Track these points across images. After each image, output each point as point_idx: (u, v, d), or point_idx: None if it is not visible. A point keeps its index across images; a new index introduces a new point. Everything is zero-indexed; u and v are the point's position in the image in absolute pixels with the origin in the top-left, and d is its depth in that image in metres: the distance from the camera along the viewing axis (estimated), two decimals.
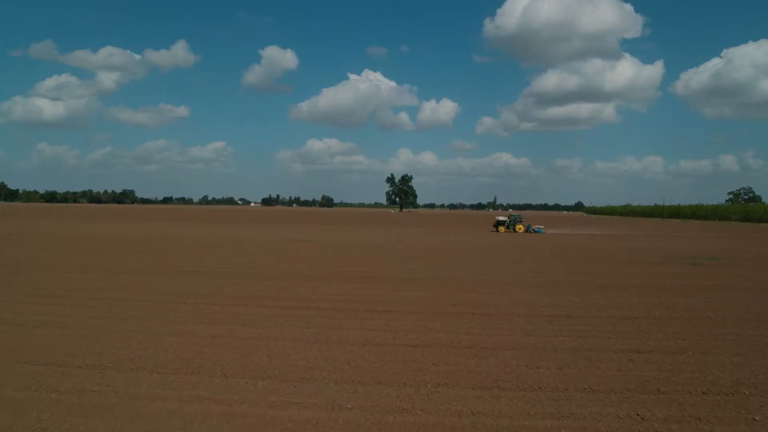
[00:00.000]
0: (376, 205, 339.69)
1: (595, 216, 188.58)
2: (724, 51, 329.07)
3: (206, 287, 14.81)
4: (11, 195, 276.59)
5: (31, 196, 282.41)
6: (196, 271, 18.37)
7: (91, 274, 17.11)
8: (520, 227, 54.40)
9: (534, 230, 53.96)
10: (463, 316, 11.72)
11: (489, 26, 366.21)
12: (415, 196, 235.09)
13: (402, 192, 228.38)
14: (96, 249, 26.33)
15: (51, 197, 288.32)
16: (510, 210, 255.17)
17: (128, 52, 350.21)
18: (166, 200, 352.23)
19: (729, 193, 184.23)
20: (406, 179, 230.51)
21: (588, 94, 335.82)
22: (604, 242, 40.35)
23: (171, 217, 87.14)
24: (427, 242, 36.96)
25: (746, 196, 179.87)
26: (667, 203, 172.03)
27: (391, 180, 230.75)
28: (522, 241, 40.63)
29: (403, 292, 14.76)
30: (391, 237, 42.63)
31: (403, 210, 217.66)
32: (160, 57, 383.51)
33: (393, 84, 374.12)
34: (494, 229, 55.74)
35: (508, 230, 54.64)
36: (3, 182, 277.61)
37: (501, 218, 57.74)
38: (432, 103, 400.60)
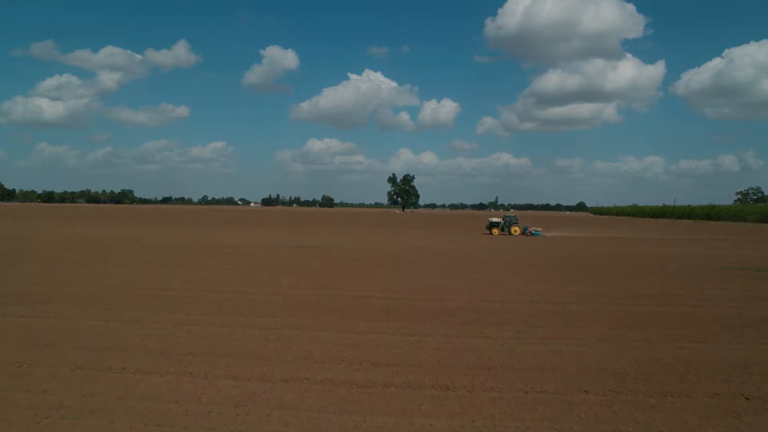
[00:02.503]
0: (377, 205, 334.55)
1: (600, 216, 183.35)
2: (726, 51, 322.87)
3: (158, 330, 9.93)
4: (8, 195, 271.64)
5: (28, 196, 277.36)
6: (159, 296, 13.51)
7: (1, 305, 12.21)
8: (515, 229, 49.36)
9: (531, 233, 48.83)
10: (573, 399, 6.87)
11: (490, 26, 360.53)
12: (417, 196, 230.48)
13: (404, 192, 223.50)
14: (48, 258, 21.40)
15: (49, 197, 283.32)
16: (511, 210, 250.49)
17: (129, 52, 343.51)
18: (166, 200, 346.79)
19: (737, 193, 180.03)
20: (407, 179, 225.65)
21: (589, 94, 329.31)
22: (632, 247, 35.34)
23: (166, 218, 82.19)
24: (442, 248, 32.06)
25: (755, 196, 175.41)
26: (668, 203, 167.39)
27: (392, 180, 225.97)
28: (533, 245, 35.65)
29: (447, 338, 9.89)
30: (399, 241, 37.73)
31: (405, 210, 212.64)
32: (160, 57, 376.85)
33: (394, 84, 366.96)
34: (488, 231, 50.64)
35: (502, 233, 49.63)
36: (0, 182, 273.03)
37: (495, 219, 52.33)
38: (433, 103, 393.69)
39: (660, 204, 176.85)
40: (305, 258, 24.38)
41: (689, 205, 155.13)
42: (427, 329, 10.42)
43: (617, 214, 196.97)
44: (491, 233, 49.72)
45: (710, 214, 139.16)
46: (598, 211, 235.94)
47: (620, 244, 39.40)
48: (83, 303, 12.46)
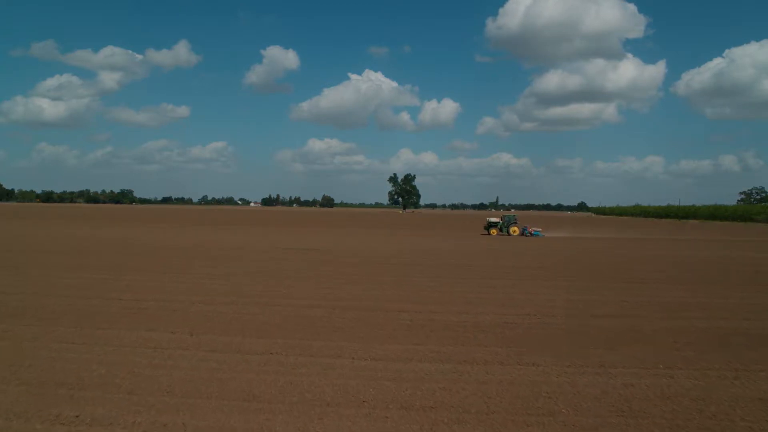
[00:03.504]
0: (377, 205, 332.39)
1: (603, 217, 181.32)
2: (726, 51, 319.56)
3: (132, 356, 8.08)
4: (7, 195, 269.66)
5: (27, 196, 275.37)
6: (140, 309, 11.69)
7: None
8: (514, 230, 47.57)
9: (531, 233, 47.07)
10: None
11: (491, 26, 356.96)
12: (419, 196, 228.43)
13: (405, 192, 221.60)
14: (29, 263, 19.50)
15: (48, 197, 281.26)
16: (512, 210, 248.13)
17: (130, 52, 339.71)
18: (166, 200, 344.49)
19: (740, 193, 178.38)
20: (409, 179, 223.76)
21: (589, 94, 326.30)
22: (647, 250, 33.47)
23: (164, 218, 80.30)
24: (449, 250, 30.23)
25: (758, 196, 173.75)
26: (669, 203, 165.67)
27: (393, 179, 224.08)
28: (539, 247, 33.81)
29: (489, 366, 8.06)
30: (404, 243, 35.89)
31: (406, 210, 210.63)
32: (161, 57, 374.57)
33: (394, 84, 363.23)
34: (485, 232, 48.80)
35: (501, 233, 47.85)
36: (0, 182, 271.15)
37: (493, 219, 50.53)
38: (433, 103, 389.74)
39: (661, 204, 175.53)
40: (307, 262, 22.56)
41: (693, 205, 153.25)
42: (462, 353, 8.59)
43: (620, 215, 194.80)
44: (489, 233, 48.07)
45: (715, 214, 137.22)
46: (600, 211, 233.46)
47: (633, 246, 37.55)
48: (51, 318, 10.64)
